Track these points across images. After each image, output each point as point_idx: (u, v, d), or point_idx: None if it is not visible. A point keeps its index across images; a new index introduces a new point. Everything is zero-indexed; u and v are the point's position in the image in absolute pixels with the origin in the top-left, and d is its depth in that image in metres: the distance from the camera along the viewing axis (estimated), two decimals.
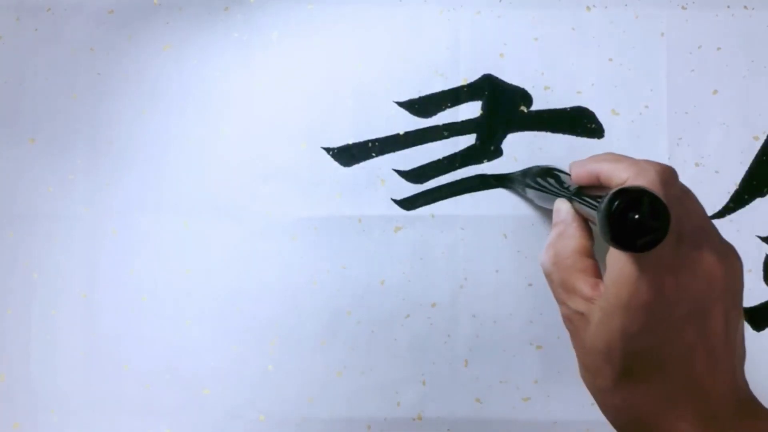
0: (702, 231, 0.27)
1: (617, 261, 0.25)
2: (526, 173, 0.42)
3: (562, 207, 0.31)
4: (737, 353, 0.28)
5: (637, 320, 0.25)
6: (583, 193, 0.30)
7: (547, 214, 0.44)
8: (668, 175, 0.26)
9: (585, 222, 0.31)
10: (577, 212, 0.32)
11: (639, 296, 0.25)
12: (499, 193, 0.45)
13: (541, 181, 0.38)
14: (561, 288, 0.28)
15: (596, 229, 0.26)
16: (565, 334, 0.44)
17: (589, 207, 0.28)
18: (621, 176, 0.27)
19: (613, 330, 0.25)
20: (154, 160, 0.46)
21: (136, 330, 0.45)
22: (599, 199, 0.26)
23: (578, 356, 0.29)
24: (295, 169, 0.45)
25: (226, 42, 0.46)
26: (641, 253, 0.22)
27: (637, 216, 0.22)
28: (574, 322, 0.28)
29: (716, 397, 0.27)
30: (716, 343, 0.27)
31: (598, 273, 0.28)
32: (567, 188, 0.33)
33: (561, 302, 0.29)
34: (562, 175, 0.36)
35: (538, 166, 0.41)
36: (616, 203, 0.22)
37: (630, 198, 0.22)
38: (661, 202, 0.22)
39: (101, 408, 0.45)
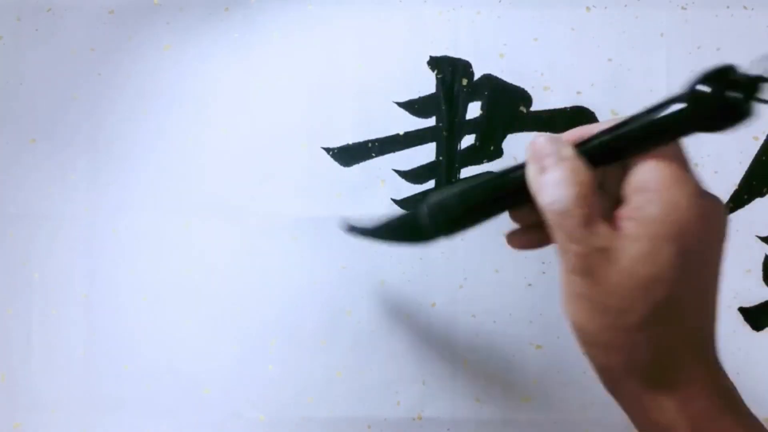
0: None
1: (667, 187, 0.25)
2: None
3: (557, 144, 0.27)
4: None
5: (687, 248, 0.24)
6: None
7: None
8: None
9: None
10: None
11: (691, 223, 0.24)
12: None
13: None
14: (581, 226, 0.25)
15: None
16: (565, 334, 0.45)
17: (627, 127, 0.26)
18: None
19: (662, 259, 0.24)
20: (154, 160, 0.46)
21: (136, 330, 0.45)
22: (650, 111, 0.25)
23: (594, 297, 0.26)
24: (295, 169, 0.45)
25: (226, 42, 0.46)
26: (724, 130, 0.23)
27: (746, 91, 0.22)
28: (593, 260, 0.25)
29: (714, 341, 0.27)
30: (718, 285, 0.27)
31: (607, 208, 0.27)
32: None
33: (578, 241, 0.26)
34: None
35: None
36: (709, 83, 0.22)
37: (716, 77, 0.22)
38: (749, 74, 0.23)
39: (101, 408, 0.45)
